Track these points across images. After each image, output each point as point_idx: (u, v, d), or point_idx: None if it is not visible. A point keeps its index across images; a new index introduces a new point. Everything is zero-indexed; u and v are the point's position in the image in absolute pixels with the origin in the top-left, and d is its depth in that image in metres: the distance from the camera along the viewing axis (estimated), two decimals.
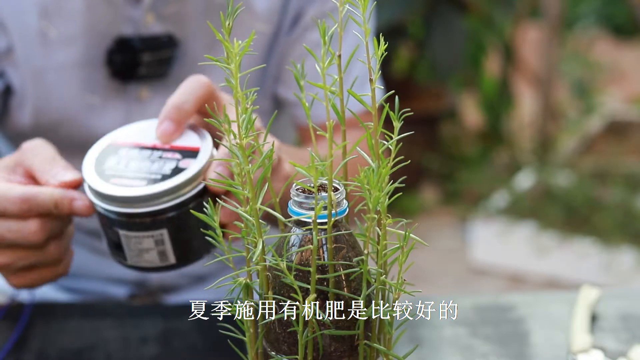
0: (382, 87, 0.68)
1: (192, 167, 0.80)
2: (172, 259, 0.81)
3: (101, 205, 0.80)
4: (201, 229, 0.73)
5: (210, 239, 0.66)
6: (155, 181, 0.79)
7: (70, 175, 0.82)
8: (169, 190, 0.78)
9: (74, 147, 0.98)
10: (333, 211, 0.62)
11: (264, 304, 0.65)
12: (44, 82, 1.03)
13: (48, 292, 1.15)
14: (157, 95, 1.06)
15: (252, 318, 0.67)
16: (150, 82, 1.05)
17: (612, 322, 0.94)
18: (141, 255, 0.80)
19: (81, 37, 1.02)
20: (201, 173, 0.80)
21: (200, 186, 0.79)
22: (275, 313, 0.64)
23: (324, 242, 0.63)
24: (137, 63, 1.02)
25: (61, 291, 1.17)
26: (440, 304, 0.93)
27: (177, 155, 0.81)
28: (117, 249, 0.81)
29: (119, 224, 0.79)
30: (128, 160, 0.82)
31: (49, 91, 1.04)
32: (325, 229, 0.63)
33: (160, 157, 0.81)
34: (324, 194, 0.63)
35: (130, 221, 0.79)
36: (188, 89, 0.81)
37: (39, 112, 1.04)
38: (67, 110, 1.05)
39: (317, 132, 0.65)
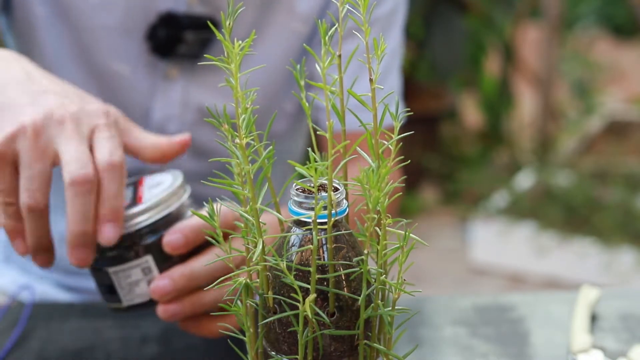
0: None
1: (164, 190, 0.81)
2: None
3: None
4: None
5: (211, 238, 0.66)
6: (129, 207, 0.80)
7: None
8: (141, 211, 0.79)
9: None
10: (333, 211, 0.62)
11: (264, 304, 0.65)
12: (81, 42, 1.04)
13: (48, 292, 1.15)
14: (184, 76, 1.06)
15: (252, 318, 0.67)
16: (181, 61, 1.05)
17: (612, 322, 0.94)
18: (132, 290, 0.80)
19: (121, 5, 1.02)
20: (174, 194, 0.81)
21: (174, 207, 0.80)
22: (275, 313, 0.64)
23: (324, 242, 0.63)
24: (179, 40, 1.02)
25: (62, 290, 1.17)
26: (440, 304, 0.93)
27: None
28: (111, 294, 0.81)
29: (106, 262, 0.80)
30: None
31: (81, 52, 1.04)
32: (325, 229, 0.63)
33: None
34: (324, 194, 0.63)
35: (114, 254, 0.79)
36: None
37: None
38: (95, 75, 1.05)
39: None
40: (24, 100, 0.78)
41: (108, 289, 0.81)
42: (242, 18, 1.03)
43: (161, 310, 0.78)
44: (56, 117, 0.76)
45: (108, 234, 0.76)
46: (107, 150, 0.77)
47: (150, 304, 0.80)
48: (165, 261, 0.79)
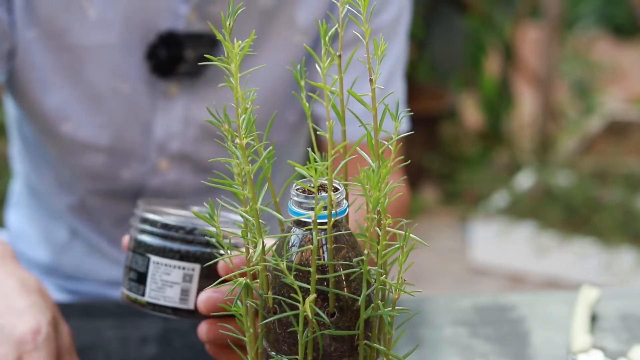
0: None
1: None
2: (191, 304, 0.77)
3: (141, 227, 0.78)
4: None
5: (212, 239, 0.66)
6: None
7: None
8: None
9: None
10: (333, 211, 0.62)
11: (264, 304, 0.65)
12: (78, 61, 1.02)
13: None
14: (184, 93, 1.05)
15: (252, 318, 0.67)
16: (181, 79, 1.04)
17: (612, 322, 0.94)
18: (163, 289, 0.77)
19: (120, 23, 1.01)
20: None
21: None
22: (275, 313, 0.64)
23: (324, 242, 0.63)
24: (180, 59, 1.01)
25: (62, 293, 1.17)
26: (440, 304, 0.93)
27: None
28: (138, 282, 0.78)
29: (153, 250, 0.77)
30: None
31: (77, 72, 1.03)
32: (325, 229, 0.63)
33: None
34: (324, 194, 0.63)
35: (165, 247, 0.77)
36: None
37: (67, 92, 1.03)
38: (94, 94, 1.04)
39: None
40: None
41: (138, 277, 0.78)
42: (242, 30, 1.03)
43: (205, 330, 0.74)
44: None
45: None
46: None
47: (172, 311, 0.77)
48: (210, 276, 0.75)
